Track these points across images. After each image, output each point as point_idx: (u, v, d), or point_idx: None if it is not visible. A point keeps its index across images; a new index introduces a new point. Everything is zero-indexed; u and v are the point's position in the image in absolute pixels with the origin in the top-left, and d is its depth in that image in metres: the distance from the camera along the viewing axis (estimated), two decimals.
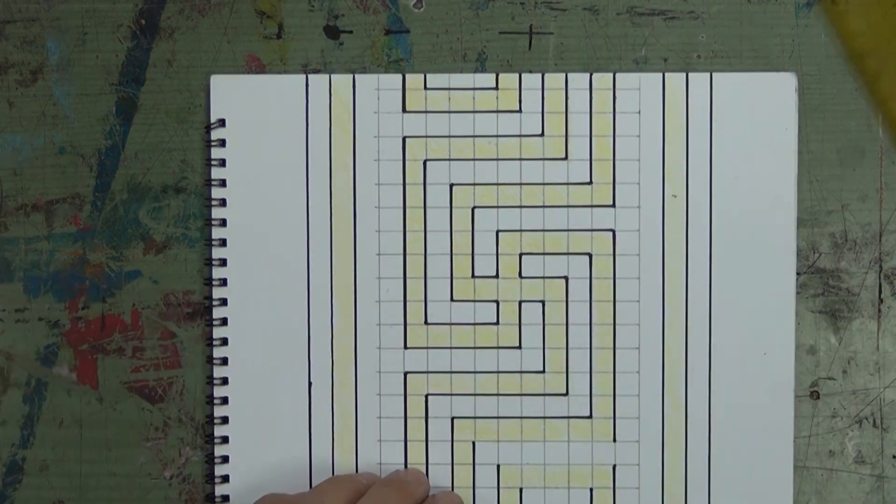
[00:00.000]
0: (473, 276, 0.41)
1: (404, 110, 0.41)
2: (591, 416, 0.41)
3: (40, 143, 0.42)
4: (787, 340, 0.40)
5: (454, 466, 0.41)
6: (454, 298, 0.41)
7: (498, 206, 0.41)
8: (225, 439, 0.41)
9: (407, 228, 0.41)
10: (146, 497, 0.42)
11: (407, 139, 0.41)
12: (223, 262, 0.41)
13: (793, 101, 0.40)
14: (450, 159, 0.41)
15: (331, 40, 0.42)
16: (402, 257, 0.41)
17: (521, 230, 0.41)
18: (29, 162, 0.42)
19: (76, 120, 0.42)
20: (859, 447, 0.41)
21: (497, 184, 0.41)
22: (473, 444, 0.41)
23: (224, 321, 0.41)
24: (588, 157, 0.41)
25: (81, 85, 0.42)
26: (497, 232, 0.41)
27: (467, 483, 0.41)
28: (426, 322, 0.41)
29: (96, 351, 0.42)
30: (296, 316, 0.41)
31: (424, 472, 0.41)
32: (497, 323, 0.41)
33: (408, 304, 0.41)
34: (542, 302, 0.41)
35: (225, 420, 0.41)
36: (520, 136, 0.41)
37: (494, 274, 0.41)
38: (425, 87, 0.41)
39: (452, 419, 0.41)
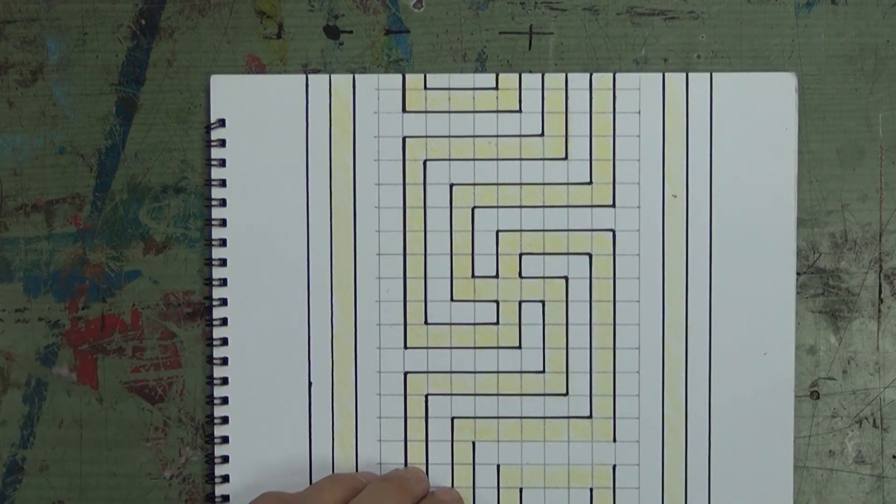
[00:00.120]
0: (473, 276, 0.41)
1: (404, 110, 0.41)
2: (591, 416, 0.41)
3: (40, 143, 0.42)
4: (787, 340, 0.40)
5: (454, 466, 0.41)
6: (454, 298, 0.41)
7: (498, 206, 0.41)
8: (225, 439, 0.41)
9: (407, 228, 0.41)
10: (146, 497, 0.42)
11: (407, 139, 0.41)
12: (223, 262, 0.41)
13: (793, 101, 0.40)
14: (450, 159, 0.41)
15: (331, 40, 0.42)
16: (402, 257, 0.41)
17: (521, 230, 0.41)
18: (29, 162, 0.42)
19: (76, 120, 0.42)
20: (859, 447, 0.41)
21: (497, 184, 0.41)
22: (473, 444, 0.41)
23: (224, 321, 0.41)
24: (588, 157, 0.41)
25: (81, 85, 0.42)
26: (497, 232, 0.41)
27: (467, 483, 0.41)
28: (426, 322, 0.41)
29: (96, 351, 0.42)
30: (296, 316, 0.41)
31: (424, 472, 0.41)
32: (497, 323, 0.41)
33: (408, 304, 0.41)
34: (542, 302, 0.41)
35: (225, 420, 0.41)
36: (520, 136, 0.41)
37: (494, 274, 0.41)
38: (425, 87, 0.41)
39: (452, 419, 0.41)
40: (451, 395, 0.41)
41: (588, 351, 0.41)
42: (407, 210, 0.41)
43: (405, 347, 0.41)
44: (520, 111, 0.41)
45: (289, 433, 0.41)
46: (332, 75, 0.41)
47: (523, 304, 0.41)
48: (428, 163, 0.41)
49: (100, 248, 0.42)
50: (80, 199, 0.42)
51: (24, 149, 0.42)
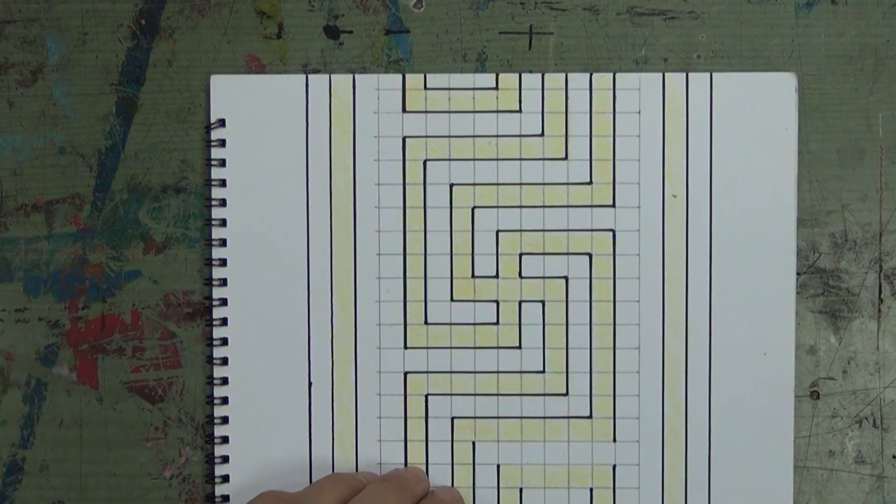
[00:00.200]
0: (473, 276, 0.41)
1: (404, 110, 0.41)
2: (591, 416, 0.41)
3: (40, 143, 0.42)
4: (787, 340, 0.40)
5: (454, 466, 0.41)
6: (454, 298, 0.41)
7: (498, 206, 0.41)
8: (225, 439, 0.41)
9: (407, 228, 0.41)
10: (146, 497, 0.42)
11: (407, 139, 0.41)
12: (223, 262, 0.41)
13: (793, 101, 0.40)
14: (450, 159, 0.41)
15: (331, 40, 0.42)
16: (402, 257, 0.41)
17: (521, 230, 0.41)
18: (29, 162, 0.42)
19: (76, 120, 0.42)
20: (859, 447, 0.41)
21: (497, 184, 0.41)
22: (473, 444, 0.41)
23: (224, 321, 0.41)
24: (588, 157, 0.41)
25: (81, 85, 0.42)
26: (497, 232, 0.41)
27: (467, 483, 0.41)
28: (426, 322, 0.41)
29: (96, 351, 0.42)
30: (296, 316, 0.41)
31: (424, 471, 0.41)
32: (497, 323, 0.41)
33: (408, 304, 0.41)
34: (542, 302, 0.41)
35: (225, 420, 0.41)
36: (520, 136, 0.41)
37: (494, 274, 0.41)
38: (425, 87, 0.41)
39: (452, 419, 0.41)
40: (451, 395, 0.41)
41: (588, 351, 0.41)
42: (407, 210, 0.41)
43: (405, 347, 0.41)
44: (520, 111, 0.41)
45: (289, 433, 0.41)
46: (332, 75, 0.41)
47: (523, 304, 0.41)
48: (428, 163, 0.41)
49: (100, 248, 0.42)
50: (80, 199, 0.42)
51: (24, 149, 0.42)
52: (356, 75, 0.41)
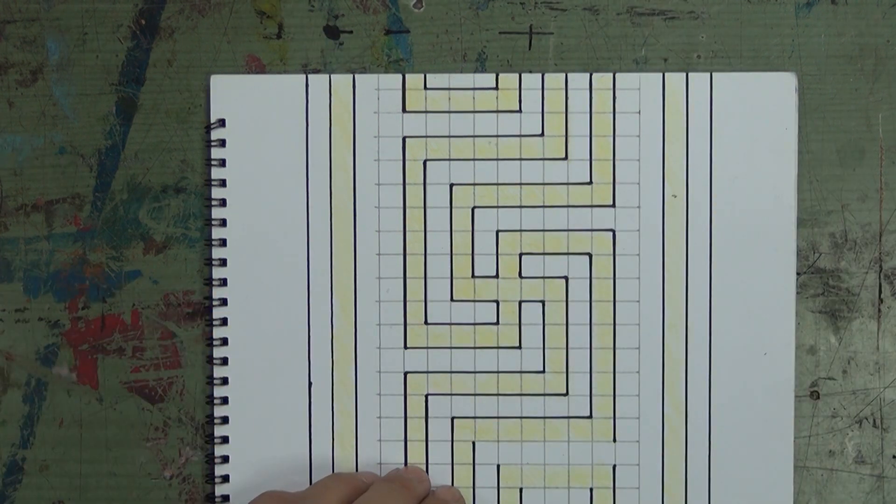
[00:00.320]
0: (473, 276, 0.41)
1: (404, 110, 0.41)
2: (591, 416, 0.41)
3: (40, 143, 0.42)
4: (787, 340, 0.40)
5: (454, 466, 0.41)
6: (454, 298, 0.41)
7: (498, 206, 0.41)
8: (225, 439, 0.41)
9: (407, 228, 0.41)
10: (146, 497, 0.42)
11: (407, 139, 0.41)
12: (223, 262, 0.41)
13: (793, 101, 0.40)
14: (450, 159, 0.41)
15: (331, 40, 0.42)
16: (402, 257, 0.41)
17: (521, 230, 0.41)
18: (29, 162, 0.42)
19: (76, 120, 0.42)
20: (859, 447, 0.41)
21: (497, 184, 0.41)
22: (473, 444, 0.41)
23: (224, 321, 0.41)
24: (588, 157, 0.41)
25: (81, 85, 0.42)
26: (497, 232, 0.41)
27: (467, 483, 0.41)
28: (426, 322, 0.41)
29: (96, 351, 0.42)
30: (296, 316, 0.41)
31: (425, 471, 0.41)
32: (497, 323, 0.41)
33: (408, 304, 0.41)
34: (542, 302, 0.41)
35: (225, 420, 0.41)
36: (520, 136, 0.41)
37: (494, 274, 0.41)
38: (425, 87, 0.41)
39: (452, 419, 0.41)
40: (451, 395, 0.41)
41: (588, 351, 0.41)
42: (407, 210, 0.41)
43: (405, 347, 0.41)
44: (520, 111, 0.41)
45: (289, 433, 0.41)
46: (332, 75, 0.41)
47: (523, 304, 0.41)
48: (428, 163, 0.41)
49: (100, 248, 0.42)
50: (80, 199, 0.42)
51: (24, 149, 0.42)
52: (356, 75, 0.41)
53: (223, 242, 0.41)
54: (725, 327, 0.40)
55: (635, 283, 0.41)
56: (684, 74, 0.41)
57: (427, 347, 0.41)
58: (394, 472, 0.40)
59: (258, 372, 0.41)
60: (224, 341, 0.41)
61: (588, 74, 0.41)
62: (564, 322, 0.41)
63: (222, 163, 0.41)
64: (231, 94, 0.41)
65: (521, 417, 0.41)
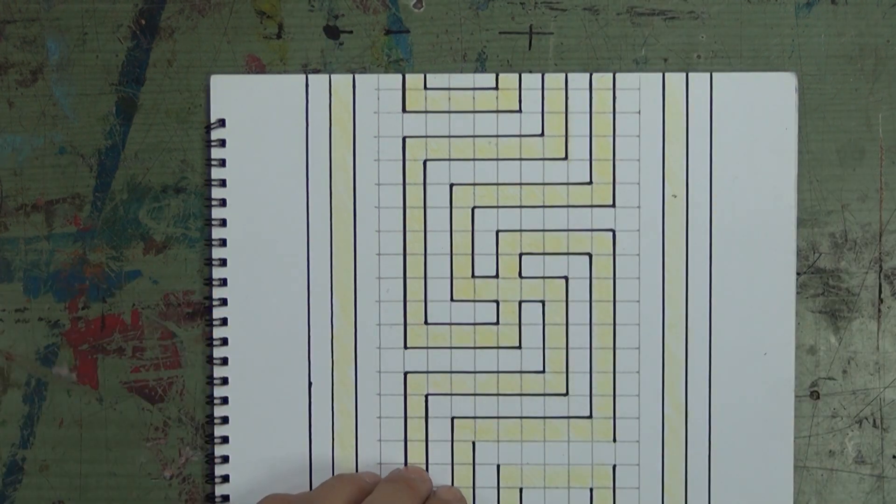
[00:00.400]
0: (473, 276, 0.41)
1: (404, 110, 0.41)
2: (591, 416, 0.41)
3: (40, 143, 0.42)
4: (787, 340, 0.40)
5: (454, 466, 0.41)
6: (454, 298, 0.41)
7: (498, 206, 0.41)
8: (225, 439, 0.41)
9: (407, 228, 0.41)
10: (146, 497, 0.42)
11: (407, 139, 0.41)
12: (223, 262, 0.41)
13: (793, 101, 0.40)
14: (450, 159, 0.41)
15: (331, 40, 0.42)
16: (402, 257, 0.41)
17: (521, 230, 0.41)
18: (29, 162, 0.42)
19: (76, 120, 0.42)
20: (859, 447, 0.41)
21: (497, 184, 0.41)
22: (473, 444, 0.41)
23: (224, 321, 0.41)
24: (588, 157, 0.41)
25: (81, 85, 0.42)
26: (497, 232, 0.41)
27: (467, 483, 0.41)
28: (426, 322, 0.41)
29: (96, 351, 0.42)
30: (296, 316, 0.41)
31: (426, 471, 0.41)
32: (497, 323, 0.41)
33: (408, 304, 0.41)
34: (542, 302, 0.41)
35: (225, 420, 0.41)
36: (520, 136, 0.41)
37: (494, 274, 0.41)
38: (425, 87, 0.41)
39: (452, 419, 0.41)
40: (451, 395, 0.41)
41: (588, 351, 0.41)
42: (407, 210, 0.41)
43: (405, 347, 0.41)
44: (520, 111, 0.41)
45: (289, 433, 0.41)
46: (332, 75, 0.41)
47: (523, 304, 0.41)
48: (428, 163, 0.41)
49: (100, 248, 0.42)
50: (80, 199, 0.42)
51: (24, 149, 0.42)
52: (356, 75, 0.41)
53: (223, 242, 0.41)
54: (725, 327, 0.40)
55: (635, 283, 0.41)
56: (684, 74, 0.41)
57: (427, 347, 0.41)
58: (396, 473, 0.40)
59: (258, 372, 0.41)
60: (224, 341, 0.41)
61: (588, 74, 0.41)
62: (564, 322, 0.41)
63: (222, 163, 0.41)
64: (231, 94, 0.41)
65: (521, 417, 0.41)
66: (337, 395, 0.41)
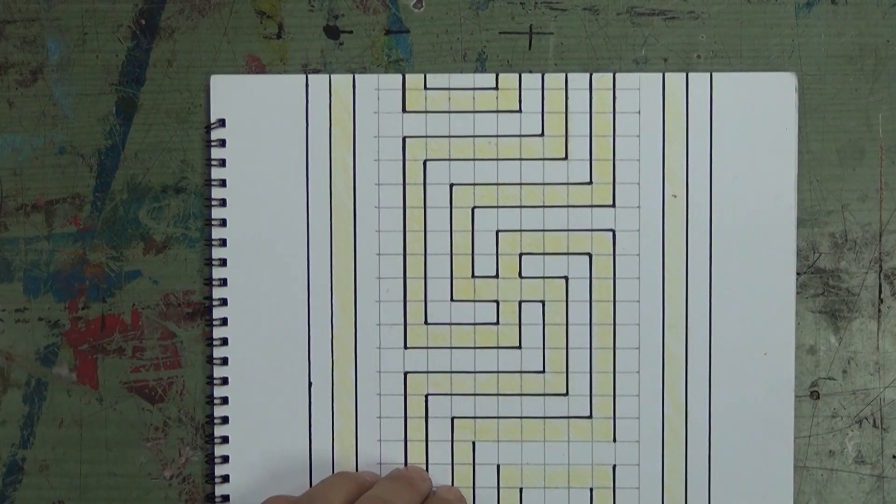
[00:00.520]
0: (473, 276, 0.41)
1: (404, 110, 0.41)
2: (591, 416, 0.41)
3: (40, 143, 0.42)
4: (787, 340, 0.40)
5: (454, 466, 0.41)
6: (454, 298, 0.41)
7: (498, 206, 0.41)
8: (225, 439, 0.41)
9: (407, 228, 0.41)
10: (146, 497, 0.42)
11: (407, 139, 0.41)
12: (223, 262, 0.41)
13: (793, 101, 0.40)
14: (450, 159, 0.41)
15: (331, 40, 0.42)
16: (402, 257, 0.41)
17: (521, 230, 0.41)
18: (29, 162, 0.42)
19: (76, 120, 0.42)
20: (859, 447, 0.41)
21: (497, 184, 0.41)
22: (473, 444, 0.41)
23: (224, 321, 0.41)
24: (588, 157, 0.41)
25: (81, 85, 0.42)
26: (497, 232, 0.41)
27: (467, 483, 0.41)
28: (426, 322, 0.41)
29: (96, 351, 0.42)
30: (296, 316, 0.41)
31: (426, 470, 0.41)
32: (497, 323, 0.41)
33: (408, 304, 0.41)
34: (542, 302, 0.41)
35: (225, 420, 0.41)
36: (520, 136, 0.41)
37: (494, 274, 0.41)
38: (425, 87, 0.41)
39: (452, 419, 0.41)
40: (451, 395, 0.41)
41: (588, 351, 0.41)
42: (407, 210, 0.41)
43: (405, 347, 0.41)
44: (520, 111, 0.41)
45: (289, 433, 0.41)
46: (332, 75, 0.41)
47: (523, 304, 0.41)
48: (428, 163, 0.41)
49: (100, 248, 0.42)
50: (80, 199, 0.42)
51: (24, 149, 0.42)
52: (356, 75, 0.41)
53: (223, 242, 0.41)
54: (725, 327, 0.40)
55: (635, 283, 0.41)
56: (684, 74, 0.41)
57: (427, 347, 0.41)
58: (397, 471, 0.40)
59: (258, 372, 0.41)
60: (224, 341, 0.41)
61: (588, 74, 0.41)
62: (564, 322, 0.41)
63: (222, 163, 0.41)
64: (231, 94, 0.41)
65: (521, 417, 0.41)
66: (337, 395, 0.41)
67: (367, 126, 0.41)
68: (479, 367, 0.41)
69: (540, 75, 0.41)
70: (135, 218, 0.42)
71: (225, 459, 0.41)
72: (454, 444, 0.41)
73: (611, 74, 0.41)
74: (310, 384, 0.41)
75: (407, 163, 0.41)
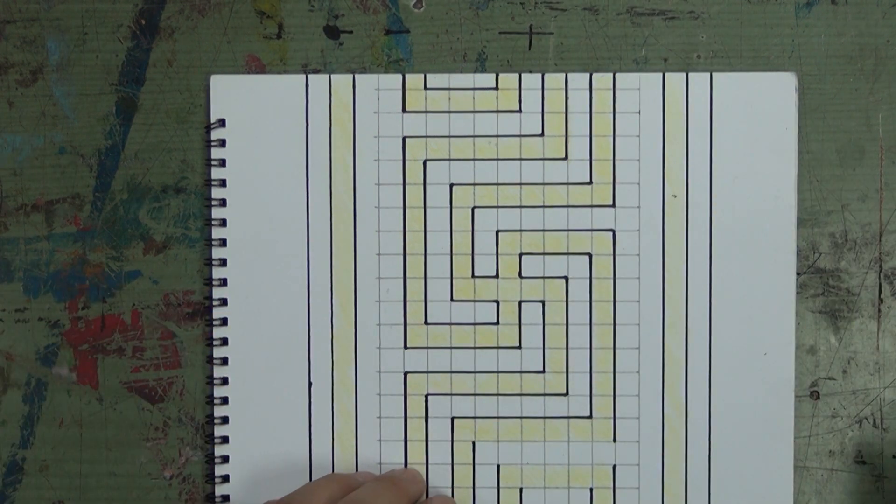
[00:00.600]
0: (473, 276, 0.41)
1: (404, 110, 0.41)
2: (591, 416, 0.41)
3: (40, 143, 0.42)
4: (787, 340, 0.40)
5: (454, 466, 0.41)
6: (454, 298, 0.41)
7: (498, 206, 0.41)
8: (225, 439, 0.41)
9: (407, 228, 0.41)
10: (146, 497, 0.42)
11: (407, 139, 0.41)
12: (223, 262, 0.41)
13: (793, 101, 0.40)
14: (450, 159, 0.41)
15: (331, 40, 0.42)
16: (402, 257, 0.41)
17: (521, 230, 0.41)
18: (29, 162, 0.42)
19: (76, 120, 0.42)
20: (859, 447, 0.41)
21: (497, 184, 0.41)
22: (473, 444, 0.41)
23: (224, 321, 0.41)
24: (588, 157, 0.41)
25: (81, 85, 0.42)
26: (497, 232, 0.41)
27: (467, 483, 0.41)
28: (426, 322, 0.41)
29: (96, 351, 0.42)
30: (296, 316, 0.41)
31: (424, 471, 0.41)
32: (497, 323, 0.41)
33: (408, 304, 0.41)
34: (542, 302, 0.41)
35: (225, 420, 0.41)
36: (520, 136, 0.41)
37: (494, 274, 0.41)
38: (425, 87, 0.41)
39: (452, 419, 0.41)
40: (451, 395, 0.41)
41: (588, 351, 0.41)
42: (407, 210, 0.41)
43: (405, 347, 0.41)
44: (520, 111, 0.41)
45: (289, 433, 0.41)
46: (332, 75, 0.41)
47: (523, 304, 0.41)
48: (428, 163, 0.41)
49: (100, 248, 0.42)
50: (80, 199, 0.42)
51: (24, 149, 0.42)
52: (356, 75, 0.41)
53: (223, 242, 0.41)
54: (725, 327, 0.40)
55: (635, 283, 0.41)
56: (684, 74, 0.41)
57: (427, 347, 0.41)
58: (387, 473, 0.40)
59: (258, 372, 0.41)
60: (224, 341, 0.41)
61: (588, 74, 0.41)
62: (564, 322, 0.41)
63: (222, 163, 0.41)
64: (231, 94, 0.41)
65: (521, 417, 0.41)
66: (337, 395, 0.41)
67: (367, 126, 0.41)
68: (479, 367, 0.41)
69: (540, 75, 0.41)
70: (135, 218, 0.42)
71: (225, 459, 0.41)
72: (454, 444, 0.41)
73: (611, 74, 0.41)
74: (310, 384, 0.41)
75: (407, 163, 0.41)
